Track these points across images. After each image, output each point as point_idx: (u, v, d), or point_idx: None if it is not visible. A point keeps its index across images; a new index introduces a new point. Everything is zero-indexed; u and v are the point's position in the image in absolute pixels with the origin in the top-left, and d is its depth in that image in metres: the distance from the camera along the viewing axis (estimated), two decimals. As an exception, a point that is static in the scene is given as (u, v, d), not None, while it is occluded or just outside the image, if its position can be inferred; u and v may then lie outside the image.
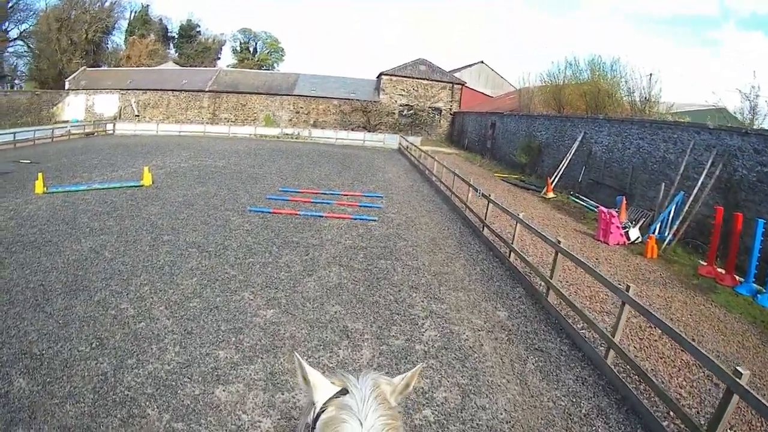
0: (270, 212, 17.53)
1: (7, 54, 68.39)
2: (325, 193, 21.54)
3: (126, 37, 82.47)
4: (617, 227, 17.68)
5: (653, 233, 17.47)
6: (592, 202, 24.07)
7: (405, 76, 58.49)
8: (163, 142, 40.98)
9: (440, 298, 10.96)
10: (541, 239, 12.27)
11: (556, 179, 27.57)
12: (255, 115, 58.76)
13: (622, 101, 29.87)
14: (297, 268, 12.15)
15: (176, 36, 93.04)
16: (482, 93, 60.62)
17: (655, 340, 9.72)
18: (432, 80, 58.59)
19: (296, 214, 17.40)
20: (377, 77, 61.49)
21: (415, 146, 38.67)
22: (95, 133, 48.31)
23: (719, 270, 14.24)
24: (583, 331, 9.65)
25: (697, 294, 12.86)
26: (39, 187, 19.29)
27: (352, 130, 55.79)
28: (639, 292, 12.19)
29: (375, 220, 17.37)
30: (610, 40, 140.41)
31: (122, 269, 11.51)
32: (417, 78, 58.37)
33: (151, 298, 10.02)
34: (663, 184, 19.09)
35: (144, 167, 22.40)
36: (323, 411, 2.02)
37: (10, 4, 64.89)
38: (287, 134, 52.58)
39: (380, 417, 1.94)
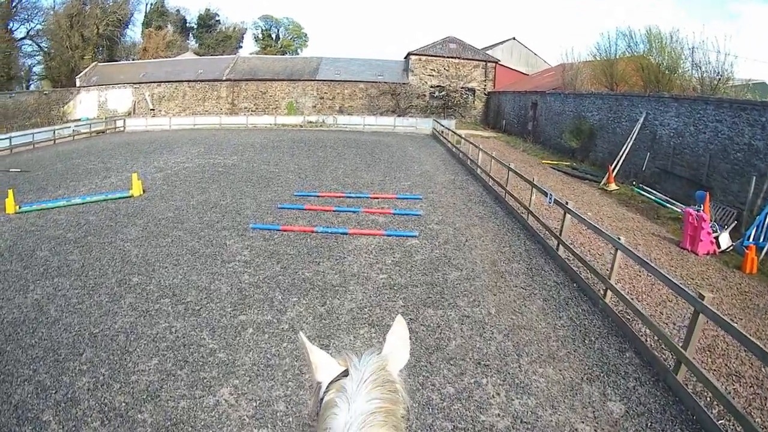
0: (279, 230, 13.73)
1: (20, 54, 65.72)
2: (350, 197, 17.65)
3: (143, 30, 79.41)
4: (708, 233, 14.07)
5: (749, 241, 13.84)
6: (660, 195, 20.43)
7: (435, 56, 53.73)
8: (174, 138, 37.44)
9: (523, 384, 7.11)
10: (676, 293, 8.10)
11: (617, 168, 23.49)
12: (276, 103, 54.71)
13: (688, 77, 25.66)
14: (307, 332, 8.30)
15: (195, 26, 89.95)
16: (518, 71, 56.04)
17: None
18: (464, 59, 53.66)
19: (312, 232, 13.59)
20: (405, 58, 56.89)
21: (451, 131, 34.54)
22: (106, 131, 45.09)
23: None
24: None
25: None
26: (10, 206, 15.91)
27: (381, 114, 51.57)
28: (758, 331, 9.08)
29: (415, 236, 13.46)
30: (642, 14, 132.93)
31: (62, 340, 8.04)
32: (447, 57, 53.47)
33: (87, 402, 6.56)
34: (753, 177, 15.59)
35: (133, 174, 18.71)
36: (327, 392, 1.79)
37: (14, 2, 61.90)
38: (311, 122, 48.48)
39: (372, 400, 1.68)
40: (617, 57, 30.82)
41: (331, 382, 1.84)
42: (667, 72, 25.76)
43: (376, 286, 10.28)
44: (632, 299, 9.27)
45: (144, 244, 12.78)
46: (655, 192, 20.92)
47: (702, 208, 15.67)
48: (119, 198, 17.55)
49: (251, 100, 54.82)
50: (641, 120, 23.33)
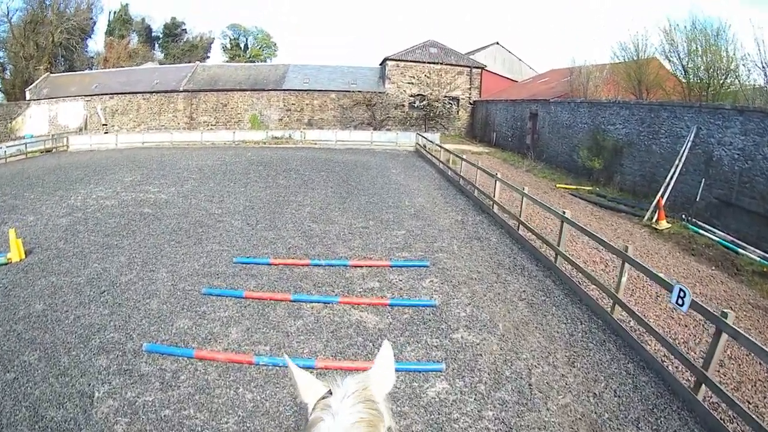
0: (192, 357, 7.51)
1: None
2: (319, 266, 11.40)
3: (105, 40, 72.77)
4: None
5: None
6: (722, 234, 15.24)
7: (414, 61, 47.56)
8: (115, 160, 30.71)
9: None
10: None
11: (663, 196, 17.96)
12: (239, 116, 48.18)
13: (746, 84, 20.17)
14: None
15: (161, 36, 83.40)
16: (507, 78, 50.31)
17: None
18: (446, 64, 47.53)
19: (250, 364, 7.34)
20: (381, 64, 50.74)
21: (443, 148, 28.15)
22: (52, 150, 38.30)
23: None
24: None
25: None
26: None
27: (355, 128, 45.55)
28: None
29: (440, 370, 7.32)
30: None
31: None
32: (428, 62, 47.17)
33: None
34: None
35: (10, 230, 12.32)
36: (313, 411, 1.82)
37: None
38: (276, 138, 41.86)
39: (353, 413, 1.72)
40: (648, 58, 24.99)
41: (317, 402, 1.83)
42: (724, 76, 20.24)
43: None
44: None
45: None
46: (715, 230, 15.58)
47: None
48: (-7, 267, 11.38)
49: (211, 113, 48.33)
50: (691, 137, 17.87)
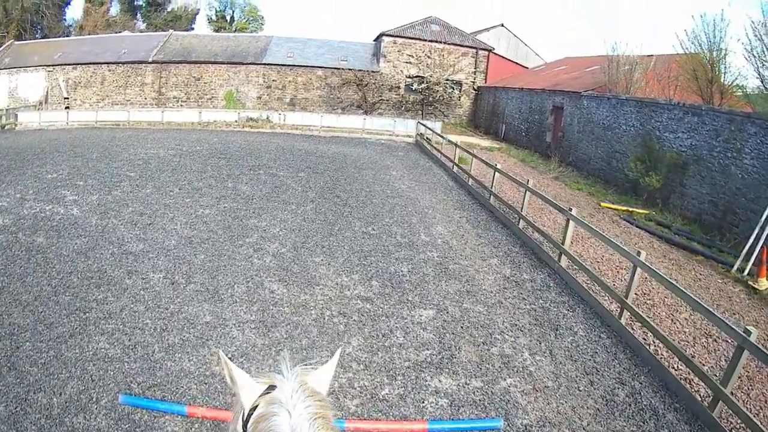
0: None
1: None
2: None
3: (84, 6, 66.60)
4: None
5: None
6: None
7: (414, 38, 41.59)
8: (56, 144, 24.65)
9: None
10: None
11: (758, 240, 12.54)
12: (213, 92, 42.03)
13: None
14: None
15: (143, 4, 76.78)
16: (516, 63, 44.64)
17: None
18: (450, 44, 41.65)
19: None
20: (376, 40, 44.63)
21: (455, 144, 21.76)
22: (3, 128, 32.29)
23: None
24: None
25: None
26: None
27: (343, 110, 39.82)
28: None
29: None
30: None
31: None
32: (430, 41, 41.43)
33: None
34: None
35: None
36: (254, 409, 1.74)
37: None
38: (251, 119, 35.60)
39: (309, 407, 1.69)
40: (726, 50, 19.21)
41: (259, 398, 1.75)
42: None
43: None
44: None
45: None
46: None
47: None
48: None
49: (182, 87, 42.11)
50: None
